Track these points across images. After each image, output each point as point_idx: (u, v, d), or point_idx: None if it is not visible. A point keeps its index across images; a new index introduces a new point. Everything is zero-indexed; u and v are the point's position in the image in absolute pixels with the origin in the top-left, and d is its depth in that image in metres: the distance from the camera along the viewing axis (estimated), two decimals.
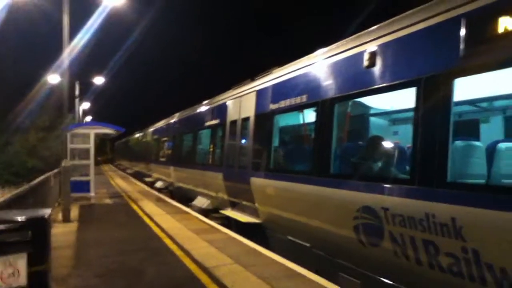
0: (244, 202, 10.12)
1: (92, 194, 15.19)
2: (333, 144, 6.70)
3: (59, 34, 14.46)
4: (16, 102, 42.01)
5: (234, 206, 10.87)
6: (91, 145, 15.19)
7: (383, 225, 5.21)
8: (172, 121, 21.04)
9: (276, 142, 9.09)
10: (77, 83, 32.68)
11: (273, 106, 8.90)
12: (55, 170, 14.06)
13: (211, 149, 13.74)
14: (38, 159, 33.69)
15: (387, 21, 5.97)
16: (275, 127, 8.97)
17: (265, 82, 9.64)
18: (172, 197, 18.03)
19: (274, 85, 9.10)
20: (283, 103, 8.45)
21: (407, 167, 5.42)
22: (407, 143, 5.84)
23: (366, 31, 6.44)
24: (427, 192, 4.61)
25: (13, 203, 6.45)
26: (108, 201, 15.91)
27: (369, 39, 6.11)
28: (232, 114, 11.55)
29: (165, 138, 22.49)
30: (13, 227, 3.89)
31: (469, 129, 6.66)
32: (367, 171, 6.12)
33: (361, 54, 6.11)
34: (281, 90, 8.72)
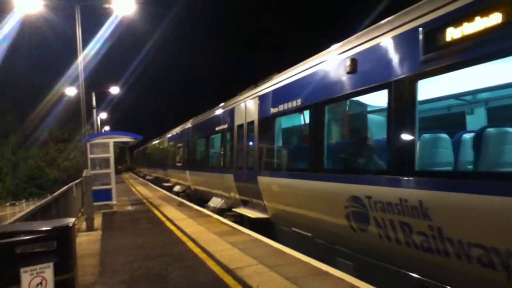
0: (254, 200, 10.98)
1: (114, 202, 15.38)
2: (324, 142, 7.52)
3: (74, 47, 14.68)
4: (33, 115, 42.88)
5: (245, 204, 11.73)
6: (111, 154, 15.37)
7: (368, 211, 5.98)
8: (186, 127, 22.00)
9: (277, 143, 9.79)
10: (94, 94, 33.09)
11: (273, 110, 9.73)
12: (77, 181, 14.25)
13: (222, 152, 14.60)
14: (59, 171, 34.32)
15: (363, 31, 6.64)
16: (276, 129, 9.69)
17: (266, 88, 10.44)
18: (190, 200, 18.68)
19: (273, 91, 9.90)
20: (281, 107, 9.29)
21: (383, 160, 6.05)
22: (383, 139, 6.35)
23: (346, 40, 7.12)
24: (399, 180, 5.34)
25: (38, 214, 6.54)
26: (130, 208, 16.06)
27: (350, 47, 6.82)
28: (238, 118, 12.40)
29: (180, 144, 23.38)
30: (38, 237, 3.93)
31: (432, 124, 7.40)
32: (352, 165, 7.15)
33: (344, 61, 6.85)
34: (279, 95, 9.54)
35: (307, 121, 8.20)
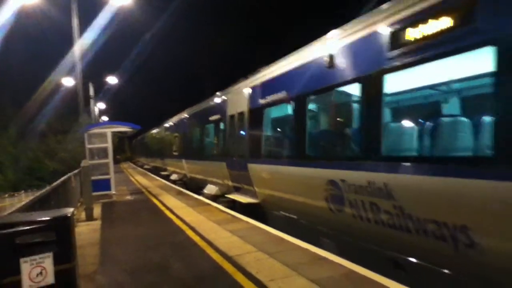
0: (245, 186, 11.66)
1: (113, 192, 15.39)
2: (306, 131, 8.18)
3: (70, 38, 14.60)
4: (30, 106, 42.75)
5: (237, 190, 12.45)
6: (109, 144, 15.35)
7: (343, 194, 6.60)
8: (181, 117, 22.89)
9: (265, 132, 10.56)
10: (91, 84, 32.96)
11: (261, 101, 10.42)
12: (76, 171, 14.25)
13: (215, 141, 15.56)
14: (58, 162, 34.26)
15: (341, 27, 7.11)
16: (264, 119, 10.43)
17: (255, 80, 11.12)
18: (187, 188, 19.00)
19: (261, 83, 10.56)
20: (268, 99, 9.98)
21: (355, 146, 6.75)
22: (354, 128, 7.17)
23: (324, 36, 7.61)
24: (368, 165, 5.99)
25: (36, 205, 6.55)
26: (129, 197, 16.09)
27: (328, 44, 7.34)
28: (230, 109, 13.12)
29: (176, 134, 24.39)
30: (37, 227, 3.93)
31: (397, 115, 7.95)
32: (329, 151, 7.95)
33: (322, 57, 7.38)
34: (266, 88, 10.22)
35: (290, 112, 8.91)
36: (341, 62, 6.89)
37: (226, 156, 13.28)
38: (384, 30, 5.79)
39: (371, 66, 6.04)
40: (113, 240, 8.52)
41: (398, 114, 7.93)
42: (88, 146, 14.93)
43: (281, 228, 8.47)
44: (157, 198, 15.08)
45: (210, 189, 15.11)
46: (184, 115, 21.96)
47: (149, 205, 13.50)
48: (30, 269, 3.71)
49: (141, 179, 25.71)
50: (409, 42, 5.28)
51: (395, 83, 6.44)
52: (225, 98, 13.82)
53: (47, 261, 3.79)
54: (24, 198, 26.81)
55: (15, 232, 3.75)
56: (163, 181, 23.60)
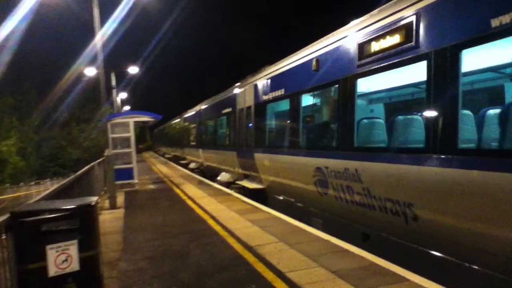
0: (252, 173, 12.94)
1: (135, 180, 15.62)
2: (299, 124, 9.50)
3: (92, 28, 14.74)
4: (53, 95, 43.54)
5: (246, 177, 13.71)
6: (131, 134, 15.54)
7: (327, 179, 7.83)
8: (198, 109, 24.57)
9: (268, 125, 11.90)
10: (113, 74, 33.30)
11: (264, 97, 11.77)
12: (99, 160, 14.49)
13: (228, 133, 17.01)
14: (81, 151, 34.86)
15: (327, 36, 8.32)
16: (267, 113, 11.78)
17: (259, 77, 12.38)
18: (204, 175, 20.22)
19: (265, 81, 11.81)
20: (270, 95, 11.29)
21: (335, 139, 7.91)
22: (335, 123, 8.16)
23: (314, 43, 8.87)
24: (344, 154, 7.26)
25: (61, 193, 6.66)
26: (151, 186, 16.31)
27: (315, 50, 8.63)
28: (239, 103, 14.52)
29: (193, 125, 25.91)
30: (62, 215, 4.00)
31: (367, 112, 9.10)
32: (316, 143, 9.07)
33: (311, 60, 8.66)
34: (269, 85, 11.47)
35: (287, 107, 10.18)
36: (323, 66, 8.28)
37: (236, 146, 14.66)
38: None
39: (342, 71, 7.41)
40: (136, 228, 8.65)
41: (372, 111, 9.44)
42: (111, 135, 15.15)
43: (281, 210, 9.74)
44: (178, 187, 15.23)
45: (224, 176, 16.26)
46: (201, 107, 23.54)
47: (171, 194, 13.65)
48: (56, 256, 3.78)
49: (163, 168, 25.99)
50: (371, 54, 6.55)
51: (365, 85, 8.17)
52: (235, 93, 15.21)
53: (72, 248, 3.86)
54: (50, 186, 27.46)
55: (40, 219, 3.82)
56: (184, 170, 23.84)
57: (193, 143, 25.57)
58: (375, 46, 6.41)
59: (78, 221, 4.02)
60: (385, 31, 6.20)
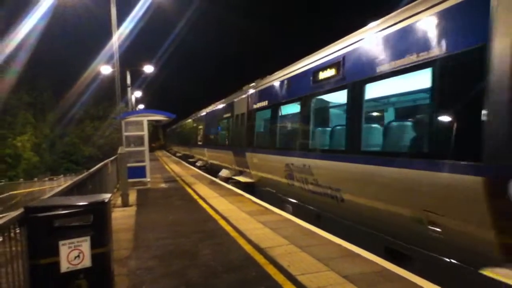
0: (246, 170, 15.07)
1: (148, 179, 15.70)
2: (277, 129, 11.77)
3: (108, 27, 14.86)
4: (69, 93, 44.04)
5: (241, 173, 15.92)
6: (145, 132, 15.63)
7: (293, 173, 9.95)
8: (203, 112, 27.90)
9: (257, 128, 14.00)
10: (128, 72, 33.54)
11: (254, 106, 14.18)
12: (112, 158, 14.59)
13: (226, 134, 19.48)
14: (94, 148, 35.20)
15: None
16: (257, 119, 13.94)
17: (251, 88, 14.92)
18: (208, 172, 21.90)
19: (255, 92, 14.23)
20: (258, 105, 13.74)
21: (299, 141, 9.92)
22: (298, 130, 10.22)
23: (286, 67, 11.36)
24: (305, 153, 9.33)
25: (74, 189, 6.71)
26: (163, 185, 16.38)
27: (287, 72, 11.09)
28: (235, 110, 17.14)
29: (200, 126, 28.70)
30: (76, 211, 4.02)
31: (318, 123, 10.12)
32: (287, 144, 11.11)
33: (284, 80, 11.31)
34: (258, 96, 13.88)
35: (269, 116, 12.36)
36: (293, 84, 10.52)
37: (233, 146, 17.04)
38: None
39: (304, 90, 9.59)
40: (147, 226, 8.68)
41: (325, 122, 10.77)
42: (125, 133, 15.25)
43: (265, 199, 11.69)
44: (190, 187, 15.27)
45: (224, 172, 18.43)
46: (206, 110, 26.86)
47: (183, 193, 13.69)
48: (69, 252, 3.80)
49: (175, 167, 26.10)
50: (320, 80, 8.79)
51: (315, 103, 9.67)
52: (233, 101, 17.91)
53: (84, 245, 3.87)
54: (63, 182, 27.74)
55: (54, 215, 3.84)
56: (196, 169, 23.97)
57: (199, 143, 28.25)
58: (322, 75, 8.72)
59: (91, 217, 4.04)
60: (327, 65, 8.52)
